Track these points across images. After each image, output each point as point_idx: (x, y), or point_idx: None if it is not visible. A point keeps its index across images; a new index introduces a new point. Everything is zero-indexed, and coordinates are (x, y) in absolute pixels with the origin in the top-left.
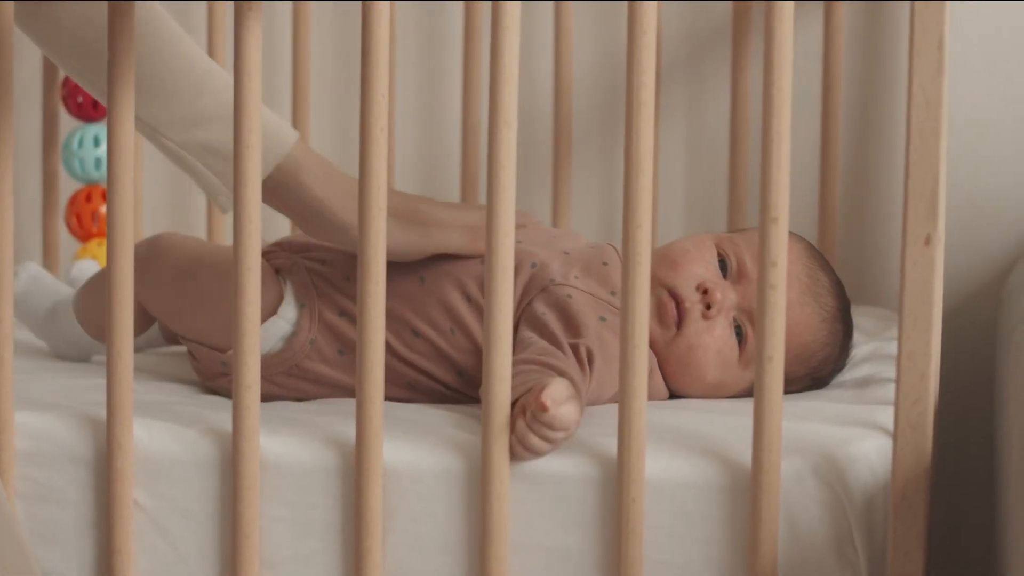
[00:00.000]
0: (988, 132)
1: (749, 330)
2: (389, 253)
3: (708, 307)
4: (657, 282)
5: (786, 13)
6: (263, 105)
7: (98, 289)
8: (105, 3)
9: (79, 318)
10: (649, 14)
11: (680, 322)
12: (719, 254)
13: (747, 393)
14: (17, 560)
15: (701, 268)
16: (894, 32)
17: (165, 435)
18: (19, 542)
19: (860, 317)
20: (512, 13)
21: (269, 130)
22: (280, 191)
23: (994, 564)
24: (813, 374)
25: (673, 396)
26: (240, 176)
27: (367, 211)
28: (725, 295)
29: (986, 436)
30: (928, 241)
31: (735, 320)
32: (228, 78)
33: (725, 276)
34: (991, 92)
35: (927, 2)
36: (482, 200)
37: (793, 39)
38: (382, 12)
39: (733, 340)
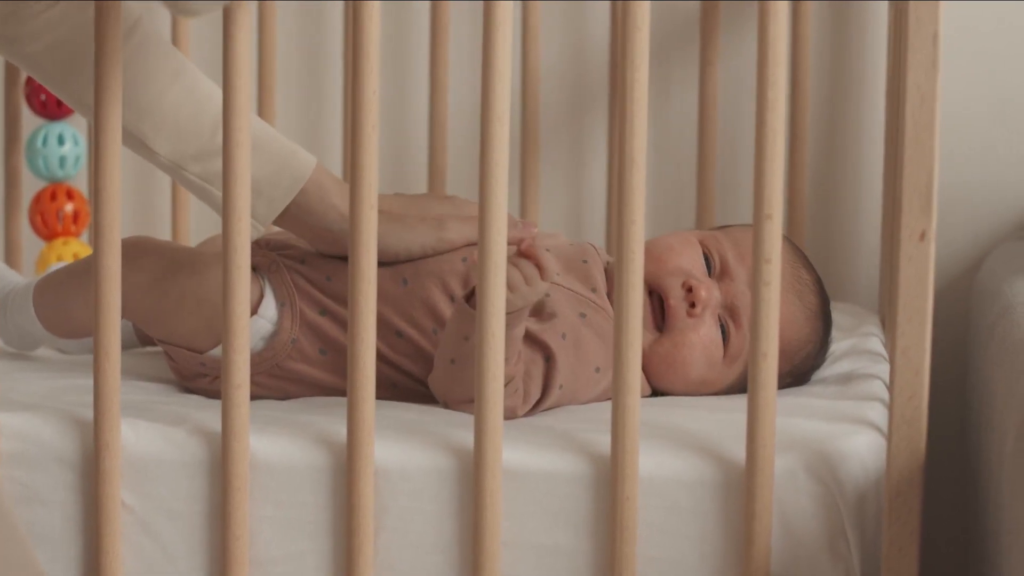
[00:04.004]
0: (957, 128)
1: (732, 328)
2: (409, 255)
3: (693, 305)
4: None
5: (780, 10)
6: (277, 132)
7: (62, 286)
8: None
9: (39, 313)
10: (643, 10)
11: (665, 320)
12: (703, 252)
13: (729, 390)
14: (19, 557)
15: (686, 264)
16: (861, 31)
17: (152, 435)
18: (21, 540)
19: (835, 314)
20: (505, 9)
21: (286, 156)
22: (303, 215)
23: (974, 558)
24: (795, 371)
25: (656, 393)
26: (230, 175)
27: (358, 209)
28: (710, 293)
29: (957, 430)
30: (923, 236)
31: (720, 318)
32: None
33: (710, 274)
34: (959, 89)
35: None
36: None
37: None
38: (373, 10)
39: (719, 338)
